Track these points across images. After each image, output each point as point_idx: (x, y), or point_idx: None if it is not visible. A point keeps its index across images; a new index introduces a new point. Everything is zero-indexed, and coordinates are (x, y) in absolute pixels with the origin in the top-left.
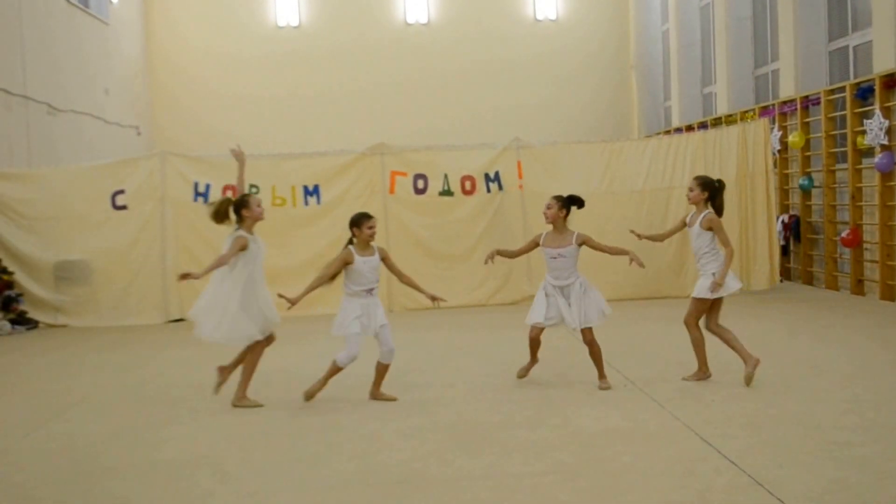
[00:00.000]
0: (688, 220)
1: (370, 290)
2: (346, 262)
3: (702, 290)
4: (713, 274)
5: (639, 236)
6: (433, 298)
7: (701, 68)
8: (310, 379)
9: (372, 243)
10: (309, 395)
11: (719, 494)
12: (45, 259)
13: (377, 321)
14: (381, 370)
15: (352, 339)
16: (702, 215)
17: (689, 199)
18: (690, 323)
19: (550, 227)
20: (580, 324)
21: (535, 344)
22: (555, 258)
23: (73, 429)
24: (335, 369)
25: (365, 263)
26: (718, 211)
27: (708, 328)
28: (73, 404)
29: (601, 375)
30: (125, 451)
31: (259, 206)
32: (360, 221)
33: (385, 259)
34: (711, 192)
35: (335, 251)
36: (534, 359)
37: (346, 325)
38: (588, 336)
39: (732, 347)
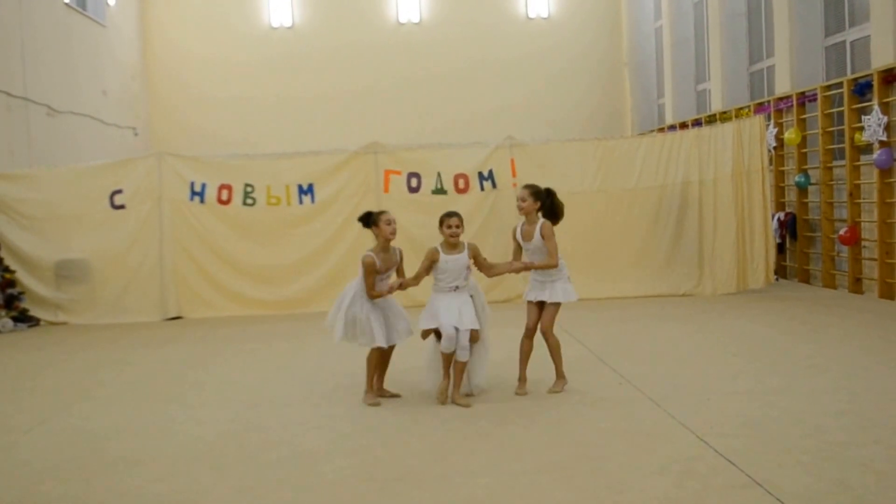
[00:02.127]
0: (519, 235)
1: (455, 287)
2: (432, 261)
3: (562, 293)
4: (569, 278)
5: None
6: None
7: (695, 65)
8: (308, 375)
9: (463, 241)
10: (442, 394)
11: (717, 494)
12: (45, 258)
13: (453, 319)
14: (458, 369)
15: (442, 327)
16: (538, 226)
17: (521, 210)
18: (551, 330)
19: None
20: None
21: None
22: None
23: (75, 424)
24: (446, 357)
25: (449, 262)
26: (559, 216)
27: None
28: (75, 400)
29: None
30: (127, 445)
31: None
32: (441, 221)
33: (475, 256)
34: (543, 201)
35: (331, 249)
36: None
37: (429, 320)
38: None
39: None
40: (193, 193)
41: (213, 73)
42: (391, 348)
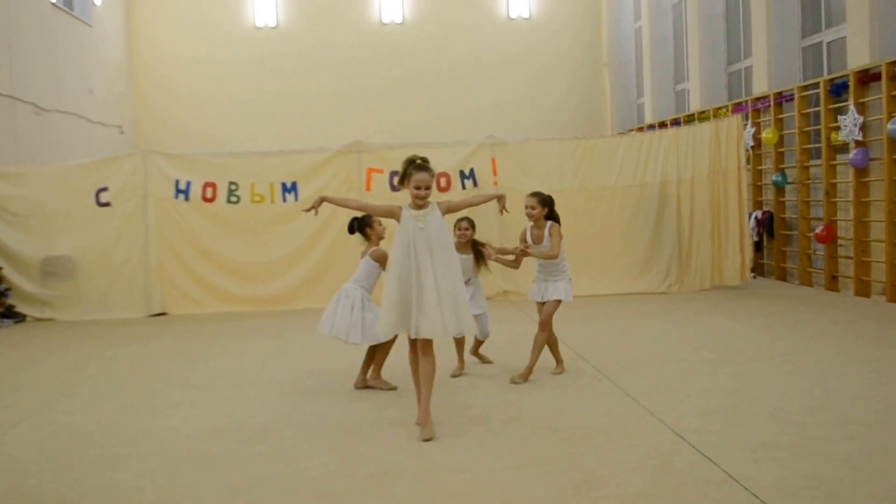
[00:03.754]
0: (529, 238)
1: (467, 280)
2: None
3: (564, 293)
4: (570, 279)
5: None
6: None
7: (674, 65)
8: (291, 372)
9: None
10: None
11: (694, 489)
12: (31, 254)
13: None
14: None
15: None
16: (546, 229)
17: (530, 217)
18: (550, 325)
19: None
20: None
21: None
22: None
23: (61, 419)
24: (476, 342)
25: (462, 261)
26: (557, 221)
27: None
28: (60, 396)
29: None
30: (111, 441)
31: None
32: (455, 226)
33: (478, 255)
34: (549, 206)
35: (314, 246)
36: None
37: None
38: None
39: (550, 350)
40: (178, 191)
41: (198, 72)
42: (394, 339)
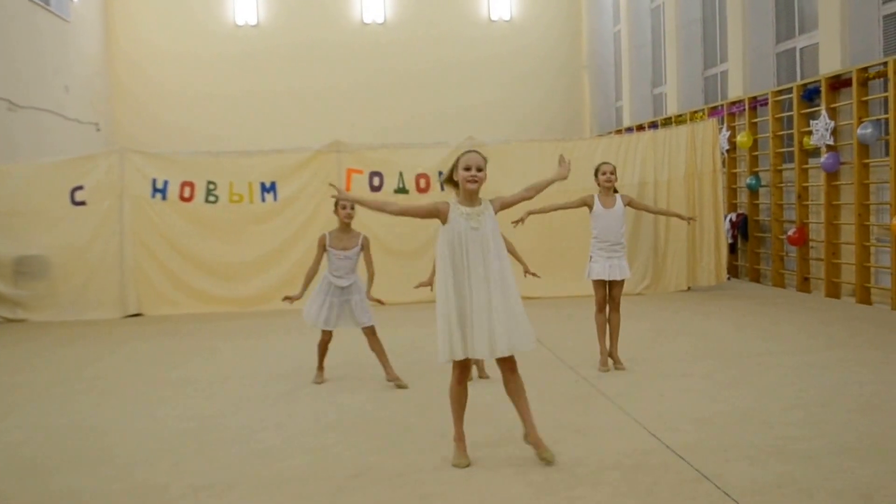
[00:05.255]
0: (599, 205)
1: None
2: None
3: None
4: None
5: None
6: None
7: (652, 69)
8: (267, 373)
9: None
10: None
11: (667, 488)
12: (4, 254)
13: None
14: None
15: None
16: (618, 197)
17: (611, 182)
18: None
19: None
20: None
21: None
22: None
23: (32, 422)
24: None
25: None
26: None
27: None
28: (32, 398)
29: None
30: (82, 445)
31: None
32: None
33: None
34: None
35: (292, 246)
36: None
37: None
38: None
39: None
40: (155, 190)
41: (177, 69)
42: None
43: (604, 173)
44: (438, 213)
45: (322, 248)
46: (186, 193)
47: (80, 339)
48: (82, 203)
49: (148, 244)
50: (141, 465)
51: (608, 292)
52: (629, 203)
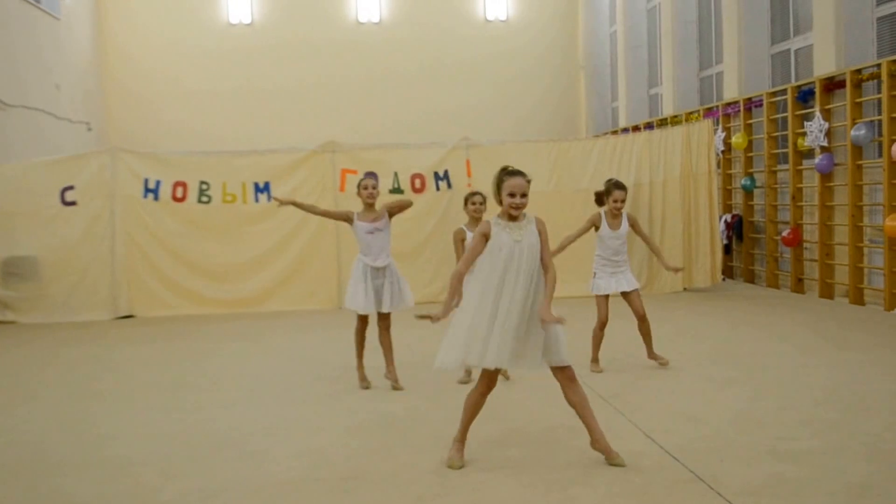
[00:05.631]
0: (606, 226)
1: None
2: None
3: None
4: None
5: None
6: None
7: (647, 70)
8: (259, 376)
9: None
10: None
11: (661, 489)
12: None
13: None
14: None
15: None
16: (624, 217)
17: (620, 209)
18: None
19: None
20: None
21: None
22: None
23: (19, 425)
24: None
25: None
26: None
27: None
28: (20, 400)
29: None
30: (71, 448)
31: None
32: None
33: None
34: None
35: (286, 247)
36: None
37: None
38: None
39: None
40: (147, 190)
41: (169, 68)
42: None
43: (615, 200)
44: (485, 238)
45: (346, 217)
46: (179, 193)
47: (70, 341)
48: (73, 203)
49: (140, 245)
50: (132, 467)
51: (629, 305)
52: (632, 224)
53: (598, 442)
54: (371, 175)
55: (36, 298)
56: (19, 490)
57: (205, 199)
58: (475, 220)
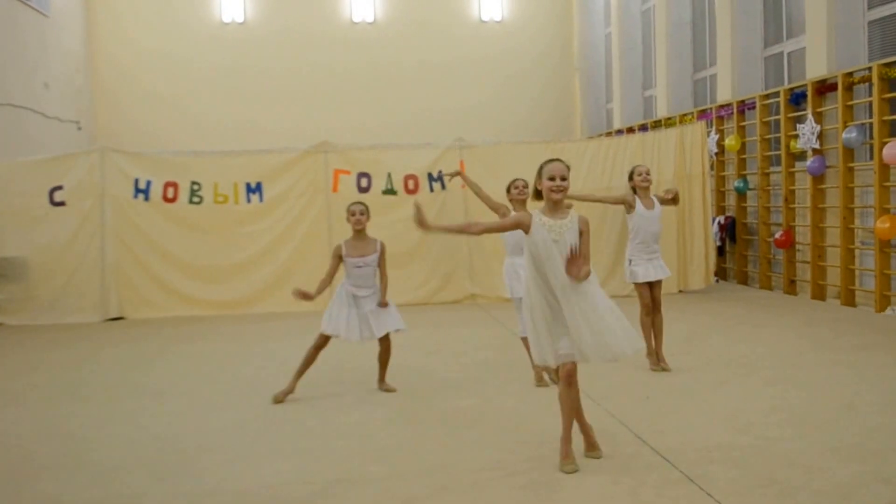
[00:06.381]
0: (640, 206)
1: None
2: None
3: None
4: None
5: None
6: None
7: (642, 72)
8: (250, 378)
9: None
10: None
11: (651, 490)
12: None
13: None
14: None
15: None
16: (655, 199)
17: (648, 183)
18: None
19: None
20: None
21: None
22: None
23: (6, 428)
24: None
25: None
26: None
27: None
28: (7, 404)
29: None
30: (58, 451)
31: (353, 215)
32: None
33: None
34: None
35: (278, 248)
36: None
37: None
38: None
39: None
40: (138, 191)
41: (161, 66)
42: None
43: (640, 174)
44: (522, 225)
45: (338, 258)
46: (170, 194)
47: (58, 344)
48: (62, 203)
49: (130, 245)
50: (119, 471)
51: (650, 293)
52: (663, 201)
53: (587, 435)
54: (359, 203)
55: (24, 300)
56: (5, 494)
57: (196, 199)
58: (520, 202)
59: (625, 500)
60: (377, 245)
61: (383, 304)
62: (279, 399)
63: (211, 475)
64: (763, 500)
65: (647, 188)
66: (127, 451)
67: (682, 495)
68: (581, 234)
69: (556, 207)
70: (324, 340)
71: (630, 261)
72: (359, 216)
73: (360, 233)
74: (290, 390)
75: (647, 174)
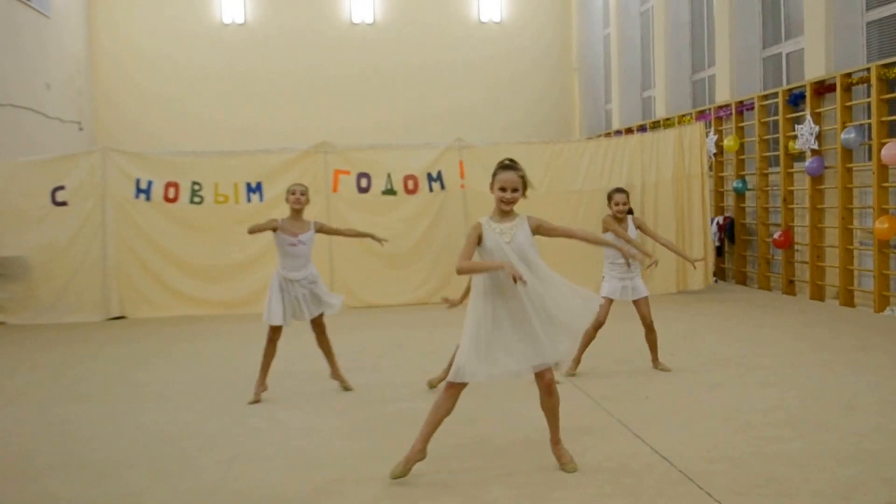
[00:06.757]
0: (617, 230)
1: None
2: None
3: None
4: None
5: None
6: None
7: (640, 72)
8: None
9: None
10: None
11: (651, 489)
12: None
13: None
14: None
15: None
16: (630, 221)
17: (623, 212)
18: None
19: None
20: None
21: None
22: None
23: (7, 426)
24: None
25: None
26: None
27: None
28: (8, 402)
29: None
30: (59, 449)
31: (293, 194)
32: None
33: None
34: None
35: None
36: None
37: None
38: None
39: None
40: (139, 191)
41: (162, 67)
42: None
43: (617, 203)
44: (477, 234)
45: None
46: (171, 194)
47: (59, 343)
48: (64, 203)
49: (131, 245)
50: (119, 469)
51: (637, 312)
52: (639, 227)
53: (556, 444)
54: (299, 185)
55: (25, 299)
56: (6, 491)
57: (197, 199)
58: (619, 218)
59: (625, 499)
60: (311, 225)
61: (383, 241)
62: (257, 399)
63: (211, 474)
64: (762, 499)
65: (622, 218)
66: (128, 450)
67: (681, 495)
68: (539, 227)
69: (505, 213)
70: (274, 332)
71: (604, 277)
72: (299, 196)
73: (297, 213)
74: (261, 389)
75: (625, 203)
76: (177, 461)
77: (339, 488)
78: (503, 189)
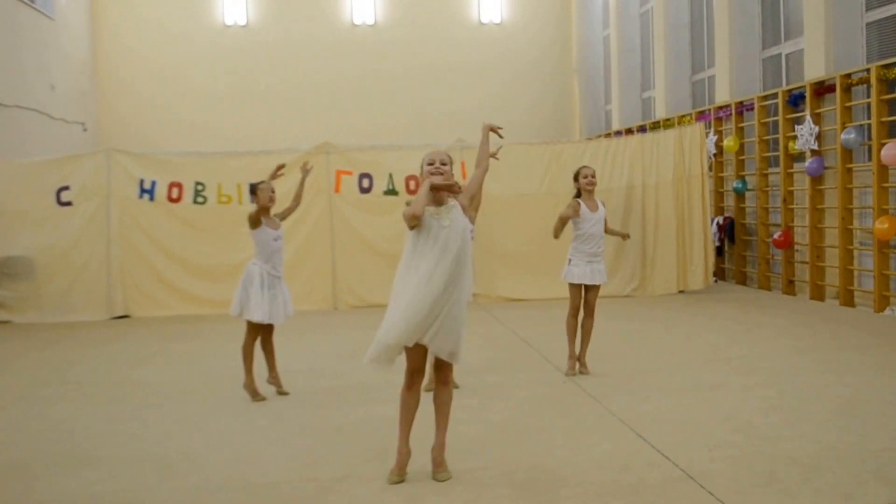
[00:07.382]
0: (585, 210)
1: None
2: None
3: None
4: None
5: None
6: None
7: (640, 73)
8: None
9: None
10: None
11: (652, 488)
12: None
13: None
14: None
15: None
16: (600, 203)
17: (593, 187)
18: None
19: None
20: None
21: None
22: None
23: (13, 424)
24: None
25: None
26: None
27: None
28: (14, 400)
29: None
30: (66, 447)
31: (269, 192)
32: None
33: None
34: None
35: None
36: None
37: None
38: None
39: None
40: (143, 191)
41: (165, 68)
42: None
43: (585, 176)
44: (415, 219)
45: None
46: (174, 194)
47: (64, 341)
48: (68, 203)
49: (135, 245)
50: (125, 468)
51: (584, 297)
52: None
53: (434, 450)
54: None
55: (31, 299)
56: (14, 489)
57: (200, 199)
58: (589, 192)
59: (626, 498)
60: (278, 220)
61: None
62: (260, 399)
63: (216, 472)
64: (763, 498)
65: (591, 191)
66: (133, 448)
67: (683, 493)
68: (466, 206)
69: (439, 199)
70: (257, 330)
71: (570, 260)
72: (271, 193)
73: (269, 210)
74: (252, 386)
75: (593, 177)
76: (182, 459)
77: (343, 486)
78: (431, 163)
